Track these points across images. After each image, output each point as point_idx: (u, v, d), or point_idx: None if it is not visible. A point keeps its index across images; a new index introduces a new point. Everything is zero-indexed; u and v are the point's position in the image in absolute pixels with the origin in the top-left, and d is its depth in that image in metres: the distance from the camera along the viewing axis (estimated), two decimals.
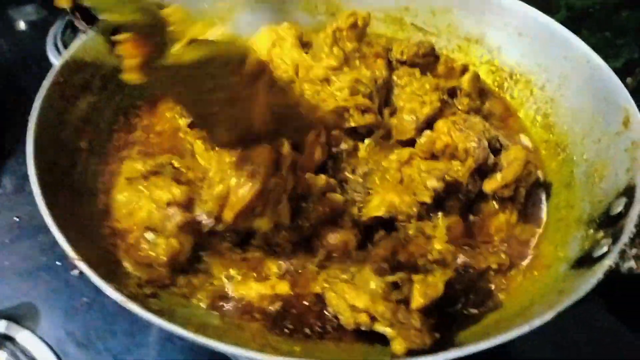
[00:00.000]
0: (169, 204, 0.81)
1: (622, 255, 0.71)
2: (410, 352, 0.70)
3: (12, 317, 0.95)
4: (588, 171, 0.93)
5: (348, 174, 0.95)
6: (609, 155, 0.90)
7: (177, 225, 0.80)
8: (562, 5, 1.30)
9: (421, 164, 0.92)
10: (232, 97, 0.72)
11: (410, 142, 0.99)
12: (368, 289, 0.74)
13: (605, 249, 0.74)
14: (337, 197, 0.86)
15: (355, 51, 1.06)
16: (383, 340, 0.74)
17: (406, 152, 0.95)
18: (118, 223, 0.84)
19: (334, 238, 0.85)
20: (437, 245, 0.74)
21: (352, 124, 0.99)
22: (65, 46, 1.33)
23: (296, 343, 0.76)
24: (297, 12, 1.25)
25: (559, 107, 1.06)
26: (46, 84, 0.88)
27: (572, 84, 1.03)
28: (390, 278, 0.74)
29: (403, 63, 1.10)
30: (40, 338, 0.94)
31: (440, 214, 0.89)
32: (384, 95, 1.05)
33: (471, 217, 0.93)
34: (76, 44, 0.95)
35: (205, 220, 0.83)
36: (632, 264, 0.70)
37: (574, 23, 1.09)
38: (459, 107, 1.05)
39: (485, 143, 0.91)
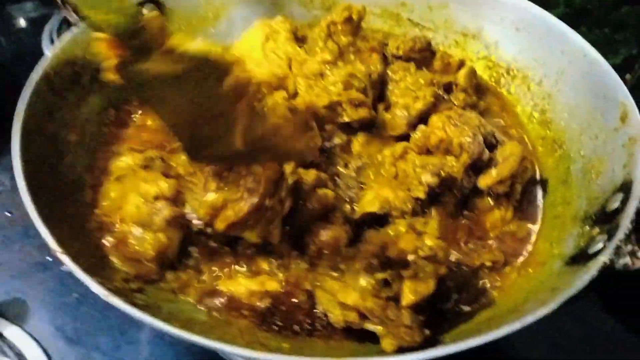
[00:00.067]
0: (156, 198, 0.79)
1: (617, 251, 0.69)
2: (401, 350, 0.69)
3: (1, 312, 0.95)
4: (585, 167, 0.92)
5: (341, 169, 0.94)
6: (606, 151, 0.88)
7: (164, 219, 0.79)
8: (561, 1, 1.28)
9: (416, 159, 0.91)
10: (210, 113, 0.71)
11: (405, 137, 0.98)
12: (357, 286, 0.73)
13: (600, 245, 0.73)
14: (328, 192, 0.84)
15: (350, 45, 1.05)
16: (373, 338, 0.73)
17: (400, 146, 0.94)
18: (105, 217, 0.83)
19: (324, 234, 0.83)
20: (428, 241, 0.72)
21: (346, 119, 0.98)
22: None
23: (285, 340, 0.75)
24: (293, 6, 1.24)
25: (556, 103, 1.04)
26: (35, 76, 0.87)
27: (570, 79, 1.02)
28: (380, 275, 0.73)
29: (399, 58, 1.09)
30: (29, 334, 0.93)
31: (433, 209, 0.88)
32: (378, 90, 1.04)
33: (465, 214, 0.91)
34: (66, 37, 0.94)
35: (195, 220, 0.82)
36: (627, 260, 0.68)
37: (572, 19, 1.08)
38: (455, 103, 1.04)
39: (480, 138, 0.90)
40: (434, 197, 0.89)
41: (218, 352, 0.85)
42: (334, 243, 0.83)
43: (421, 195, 0.85)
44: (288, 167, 0.80)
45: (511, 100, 1.13)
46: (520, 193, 0.92)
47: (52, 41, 1.38)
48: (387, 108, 1.03)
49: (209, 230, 0.81)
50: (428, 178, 0.86)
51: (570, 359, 0.94)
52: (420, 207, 0.87)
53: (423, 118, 0.98)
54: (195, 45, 0.66)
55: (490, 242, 0.89)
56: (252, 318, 0.77)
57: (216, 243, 0.84)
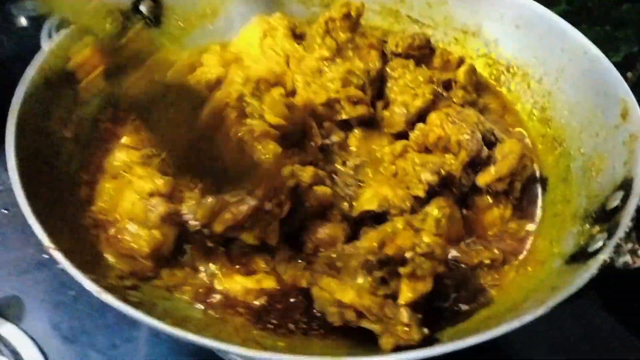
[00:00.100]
0: (151, 195, 0.79)
1: (618, 249, 0.68)
2: (398, 348, 0.68)
3: None
4: (585, 165, 0.91)
5: (339, 166, 0.93)
6: (606, 149, 0.87)
7: (159, 216, 0.78)
8: None
9: (415, 157, 0.90)
10: (189, 137, 0.72)
11: (404, 135, 0.97)
12: (355, 284, 0.72)
13: (600, 243, 0.72)
14: (326, 190, 0.84)
15: (348, 42, 1.04)
16: (371, 336, 0.72)
17: (400, 144, 0.93)
18: (100, 214, 0.83)
19: (322, 232, 0.83)
20: (426, 238, 0.71)
21: (344, 116, 0.98)
22: None
23: (280, 338, 0.74)
24: (291, 3, 1.22)
25: (556, 100, 1.03)
26: (30, 72, 0.87)
27: (570, 76, 1.01)
28: (378, 273, 0.72)
29: (398, 55, 1.08)
30: (24, 331, 0.93)
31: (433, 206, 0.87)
32: (377, 87, 1.03)
33: (464, 212, 0.90)
34: (63, 33, 0.94)
35: (191, 220, 0.81)
36: (627, 258, 0.67)
37: (573, 16, 1.07)
38: (454, 100, 1.03)
39: (479, 135, 0.89)
40: (432, 196, 0.88)
41: (214, 351, 0.84)
42: (331, 241, 0.82)
43: (421, 193, 0.85)
44: (287, 170, 0.79)
45: (511, 98, 1.12)
46: (520, 191, 0.91)
47: (51, 38, 1.37)
48: (386, 105, 1.02)
49: (205, 230, 0.80)
50: (428, 176, 0.85)
51: (570, 359, 0.94)
52: (420, 206, 0.86)
53: (422, 116, 0.97)
54: (179, 59, 0.67)
55: (489, 240, 0.88)
56: (248, 316, 0.77)
57: (212, 243, 0.83)
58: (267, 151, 0.78)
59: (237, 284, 0.79)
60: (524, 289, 0.79)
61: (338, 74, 0.99)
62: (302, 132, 0.92)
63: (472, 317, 0.77)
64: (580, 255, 0.75)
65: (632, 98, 0.87)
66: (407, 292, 0.71)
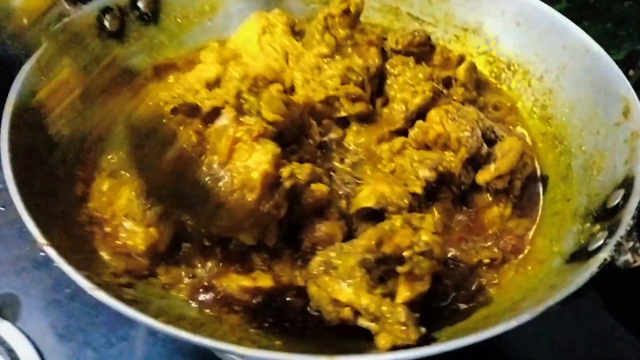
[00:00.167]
0: None
1: (618, 248, 0.68)
2: (395, 348, 0.67)
3: None
4: (586, 163, 0.90)
5: (336, 164, 0.93)
6: (607, 147, 0.86)
7: (156, 213, 0.78)
8: None
9: (414, 154, 0.89)
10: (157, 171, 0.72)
11: (403, 132, 0.96)
12: (352, 283, 0.71)
13: (601, 242, 0.71)
14: (323, 187, 0.83)
15: (347, 39, 1.03)
16: (367, 335, 0.71)
17: (399, 141, 0.92)
18: (96, 211, 0.82)
19: (319, 230, 0.82)
20: (425, 237, 0.70)
21: (343, 113, 0.97)
22: None
23: (277, 337, 0.73)
24: (291, 0, 1.22)
25: (557, 98, 1.02)
26: (26, 67, 0.86)
27: (571, 74, 1.00)
28: (375, 271, 0.71)
29: (398, 52, 1.07)
30: (20, 329, 0.92)
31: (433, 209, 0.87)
32: (376, 84, 1.03)
33: (464, 210, 0.89)
34: (57, 29, 0.93)
35: (189, 222, 0.80)
36: (628, 257, 0.66)
37: (575, 13, 1.06)
38: (454, 98, 1.02)
39: (479, 132, 0.88)
40: (431, 193, 0.87)
41: (211, 350, 0.84)
42: (328, 239, 0.81)
43: (418, 190, 0.84)
44: (285, 171, 0.78)
45: (511, 96, 1.11)
46: (520, 189, 0.90)
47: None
48: (385, 102, 1.01)
49: (202, 230, 0.80)
50: (425, 173, 0.85)
51: (570, 359, 0.93)
52: (418, 203, 0.85)
53: (421, 113, 0.96)
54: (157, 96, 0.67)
55: (488, 238, 0.87)
56: (244, 314, 0.76)
57: (209, 242, 0.82)
58: (266, 151, 0.77)
59: (233, 282, 0.78)
60: (524, 288, 0.78)
61: (337, 71, 0.98)
62: (300, 129, 0.91)
63: (471, 317, 0.76)
64: (581, 254, 0.74)
65: (633, 96, 0.86)
66: (404, 291, 0.71)
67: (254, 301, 0.78)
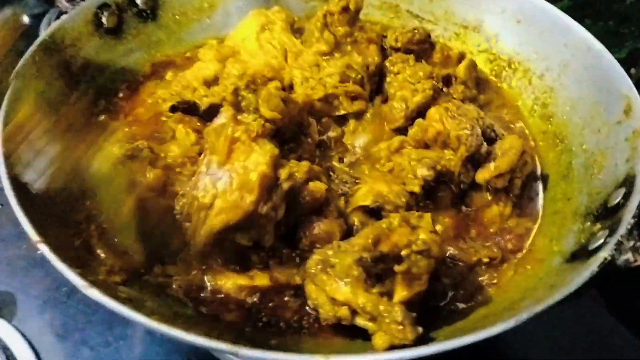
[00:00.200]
0: None
1: (619, 247, 0.67)
2: (392, 348, 0.66)
3: None
4: (587, 162, 0.89)
5: (335, 163, 0.92)
6: (608, 145, 0.86)
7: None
8: None
9: (412, 153, 0.88)
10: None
11: (403, 131, 0.95)
12: (348, 281, 0.70)
13: (601, 241, 0.70)
14: (321, 186, 0.82)
15: (346, 36, 1.02)
16: (364, 335, 0.70)
17: (397, 140, 0.92)
18: (93, 209, 0.81)
19: (317, 228, 0.81)
20: (422, 235, 0.70)
21: (342, 112, 0.97)
22: None
23: (272, 336, 0.72)
24: None
25: (558, 96, 1.01)
26: (21, 63, 0.85)
27: (572, 72, 0.99)
28: (372, 270, 0.70)
29: (397, 50, 1.07)
30: (16, 327, 0.92)
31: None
32: (375, 82, 1.02)
33: (463, 209, 0.89)
34: (55, 24, 0.93)
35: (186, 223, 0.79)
36: (629, 256, 0.66)
37: (576, 11, 1.05)
38: (454, 96, 1.01)
39: (479, 130, 0.87)
40: (430, 192, 0.87)
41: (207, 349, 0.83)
42: (326, 237, 0.81)
43: (416, 189, 0.83)
44: (283, 173, 0.77)
45: (512, 95, 1.10)
46: (520, 188, 0.90)
47: None
48: (385, 100, 1.00)
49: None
50: (424, 171, 0.84)
51: (570, 359, 0.92)
52: (416, 202, 0.85)
53: (421, 112, 0.95)
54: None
55: (487, 238, 0.86)
56: (239, 313, 0.75)
57: None
58: (265, 152, 0.76)
59: (229, 280, 0.78)
60: (523, 288, 0.77)
61: (336, 69, 0.97)
62: (298, 127, 0.91)
63: (470, 316, 0.75)
64: (581, 253, 0.73)
65: (635, 94, 0.85)
66: (402, 291, 0.70)
67: (250, 300, 0.77)
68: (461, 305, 0.77)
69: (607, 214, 0.76)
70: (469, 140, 0.86)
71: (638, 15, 1.22)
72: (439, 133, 0.88)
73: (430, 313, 0.74)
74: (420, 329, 0.67)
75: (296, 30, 1.11)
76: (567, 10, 1.03)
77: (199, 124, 0.92)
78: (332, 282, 0.71)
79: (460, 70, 1.04)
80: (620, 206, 0.74)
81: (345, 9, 1.02)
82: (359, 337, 0.71)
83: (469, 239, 0.86)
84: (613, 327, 0.94)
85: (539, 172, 0.96)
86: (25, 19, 1.48)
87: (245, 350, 0.61)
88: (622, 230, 0.68)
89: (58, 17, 1.37)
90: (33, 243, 0.67)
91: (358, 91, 0.97)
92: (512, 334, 0.61)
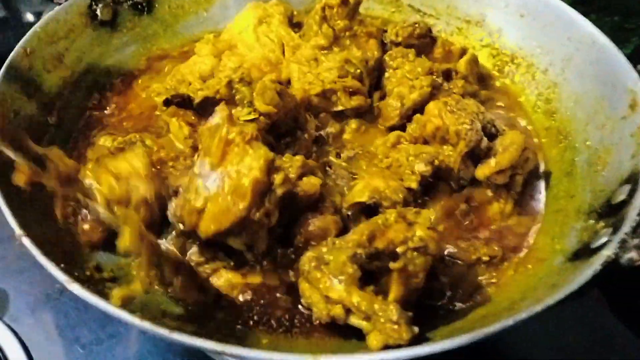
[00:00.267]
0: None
1: (623, 245, 0.64)
2: (387, 347, 0.64)
3: None
4: (591, 159, 0.86)
5: (332, 158, 0.90)
6: (613, 141, 0.83)
7: (142, 196, 0.75)
8: None
9: (410, 148, 0.86)
10: None
11: (401, 128, 0.93)
12: (343, 279, 0.68)
13: (604, 239, 0.68)
14: (315, 180, 0.80)
15: (345, 30, 1.00)
16: (359, 334, 0.68)
17: (393, 135, 0.90)
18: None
19: (312, 225, 0.79)
20: (419, 232, 0.67)
21: (340, 107, 0.94)
22: None
23: (263, 335, 0.71)
24: None
25: (562, 91, 0.99)
26: (13, 54, 0.84)
27: (576, 66, 0.97)
28: (367, 267, 0.68)
29: (398, 45, 1.05)
30: (7, 325, 0.91)
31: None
32: (375, 77, 1.00)
33: (462, 206, 0.86)
34: (48, 15, 0.91)
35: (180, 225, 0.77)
36: (633, 254, 0.63)
37: (581, 6, 1.02)
38: (454, 90, 0.98)
39: (479, 125, 0.85)
40: (429, 188, 0.85)
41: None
42: (322, 234, 0.79)
43: (413, 185, 0.81)
44: (277, 178, 0.75)
45: (515, 90, 1.07)
46: (521, 185, 0.87)
47: None
48: (383, 96, 0.98)
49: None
50: (421, 167, 0.82)
51: (571, 359, 0.90)
52: (413, 198, 0.82)
53: (416, 110, 0.93)
54: None
55: (488, 235, 0.84)
56: (230, 311, 0.73)
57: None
58: (258, 156, 0.74)
59: (221, 278, 0.76)
60: (523, 287, 0.75)
61: (334, 63, 0.95)
62: (294, 121, 0.89)
63: (468, 316, 0.73)
64: (584, 252, 0.71)
65: None
66: (397, 289, 0.68)
67: (242, 298, 0.75)
68: (459, 305, 0.75)
69: (610, 212, 0.74)
70: (469, 135, 0.84)
71: None
72: (437, 128, 0.86)
73: (427, 312, 0.72)
74: (416, 329, 0.65)
75: (295, 24, 1.10)
76: (571, 4, 1.01)
77: (193, 117, 0.91)
78: (326, 280, 0.69)
79: (461, 64, 1.02)
80: (624, 203, 0.71)
81: (345, 2, 0.99)
82: (353, 337, 0.69)
83: (468, 236, 0.84)
84: (616, 327, 0.92)
85: (541, 169, 0.94)
86: (29, 17, 1.48)
87: (233, 349, 0.59)
88: (626, 228, 0.66)
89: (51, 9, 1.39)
90: (16, 236, 0.66)
91: (357, 86, 0.95)
92: (513, 334, 0.59)
